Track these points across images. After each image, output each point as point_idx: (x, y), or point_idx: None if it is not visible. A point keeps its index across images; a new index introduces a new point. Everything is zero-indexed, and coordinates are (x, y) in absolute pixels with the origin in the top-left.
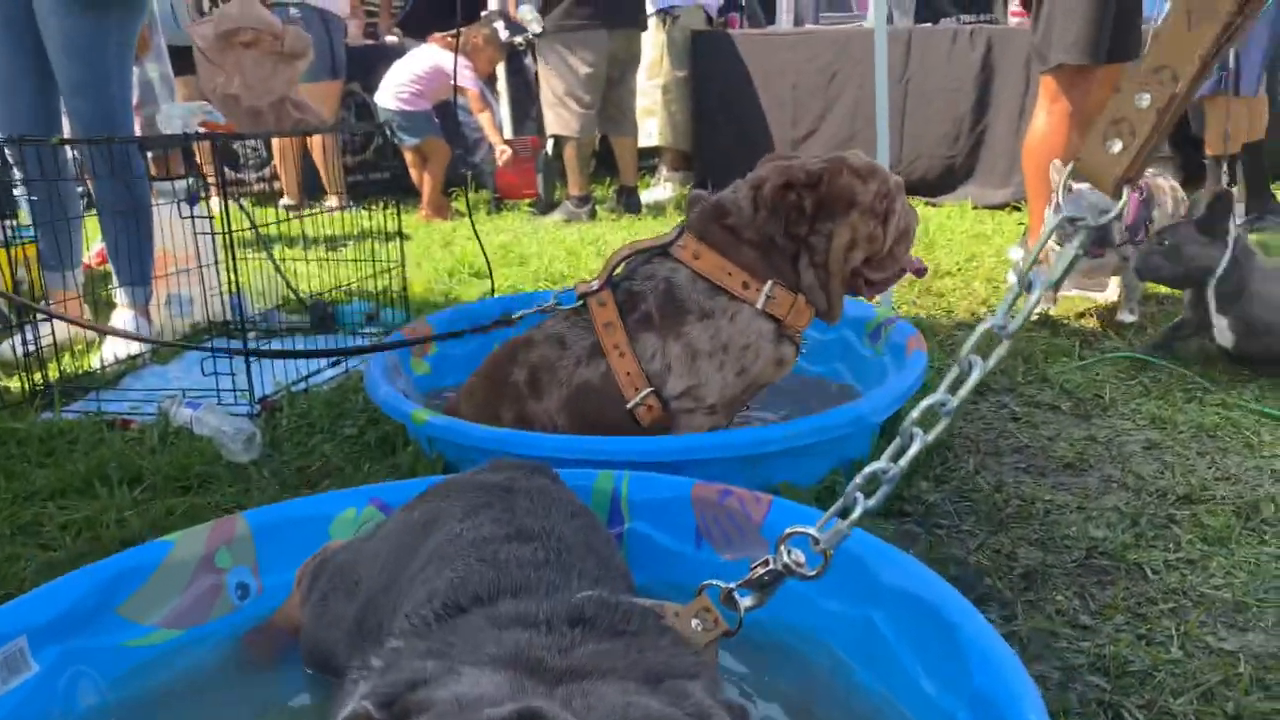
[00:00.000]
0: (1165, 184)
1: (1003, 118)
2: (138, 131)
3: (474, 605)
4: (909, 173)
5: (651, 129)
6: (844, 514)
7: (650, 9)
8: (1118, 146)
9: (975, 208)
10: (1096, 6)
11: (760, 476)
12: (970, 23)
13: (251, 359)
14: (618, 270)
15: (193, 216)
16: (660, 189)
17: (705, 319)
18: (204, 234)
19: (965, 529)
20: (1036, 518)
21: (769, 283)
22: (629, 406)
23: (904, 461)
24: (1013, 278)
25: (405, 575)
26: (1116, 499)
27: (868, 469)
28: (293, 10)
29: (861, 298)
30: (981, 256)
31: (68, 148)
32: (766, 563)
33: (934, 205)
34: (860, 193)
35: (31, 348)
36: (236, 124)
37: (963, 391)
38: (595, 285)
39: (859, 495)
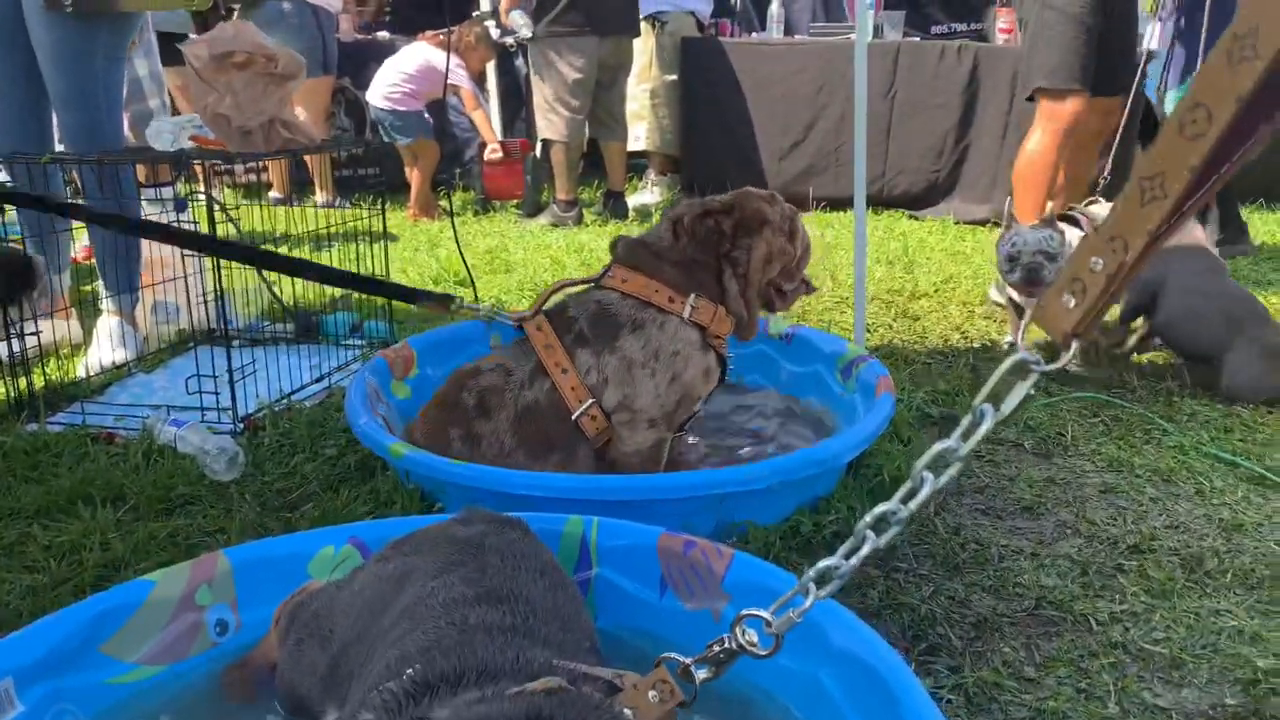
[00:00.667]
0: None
1: (986, 135)
2: (126, 129)
3: (441, 684)
4: (892, 186)
5: (640, 133)
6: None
7: (640, 14)
8: (1072, 303)
9: (957, 223)
10: (1075, 34)
11: (725, 514)
12: (961, 32)
13: (236, 379)
14: (550, 302)
15: (182, 245)
16: (647, 193)
17: (637, 330)
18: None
19: (922, 573)
20: (991, 563)
21: (692, 295)
22: (574, 416)
23: (855, 560)
24: (995, 294)
25: (377, 628)
26: (1069, 545)
27: (821, 564)
28: (285, 5)
29: (773, 312)
30: (959, 278)
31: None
32: (722, 641)
33: (916, 219)
34: (770, 213)
35: (16, 354)
36: (226, 142)
37: (913, 504)
38: (529, 313)
39: (812, 585)
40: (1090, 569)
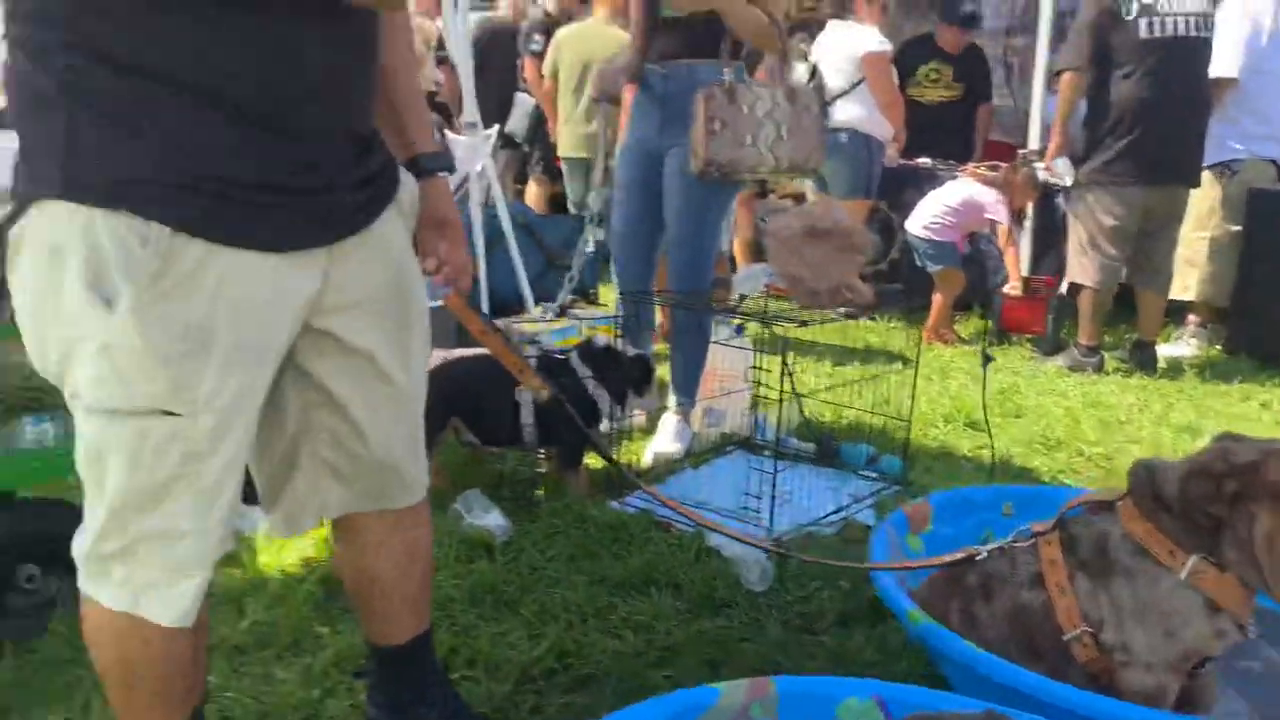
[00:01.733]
0: None
1: None
2: None
3: None
4: None
5: (1190, 282)
6: None
7: (1205, 161)
8: None
9: None
10: None
11: None
12: None
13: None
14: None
15: (753, 366)
16: (1183, 344)
17: (1129, 578)
18: (751, 369)
19: None
20: None
21: (1194, 557)
22: (1065, 639)
23: None
24: None
25: None
26: None
27: None
28: (843, 136)
29: None
30: None
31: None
32: None
33: None
34: None
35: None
36: (795, 297)
37: None
38: (1047, 528)
39: None
40: None
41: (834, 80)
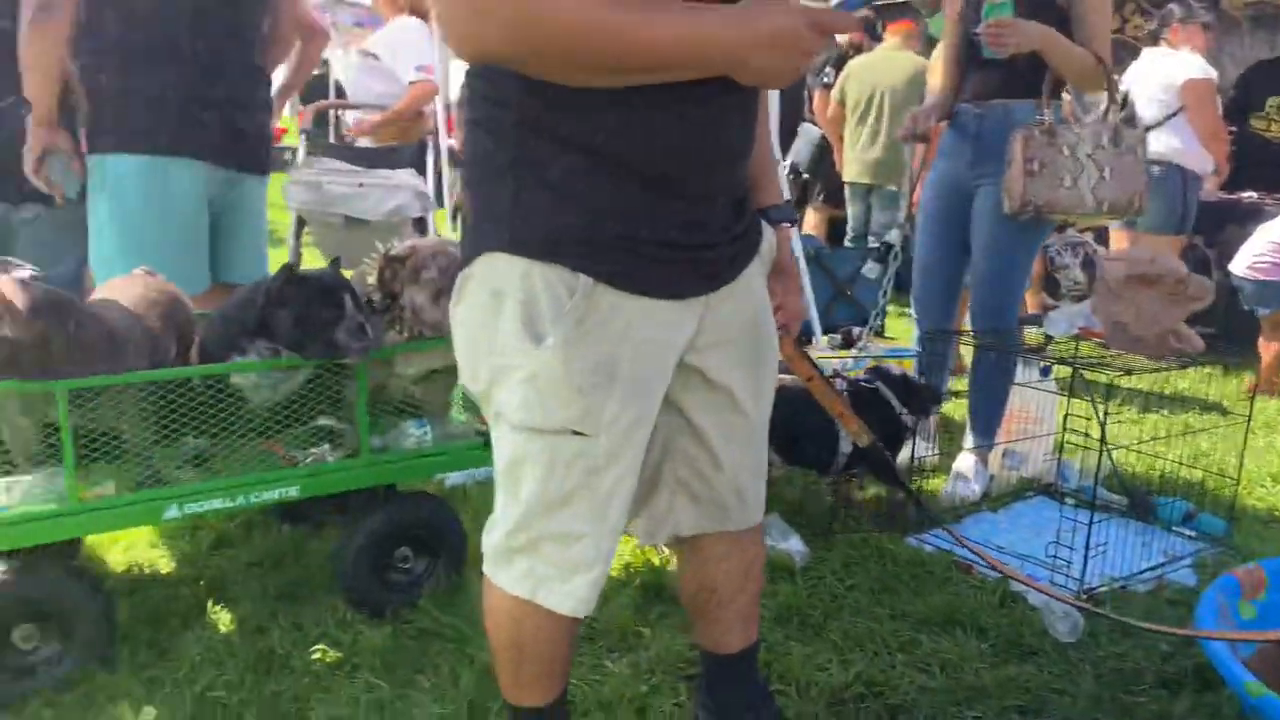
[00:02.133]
0: None
1: None
2: None
3: None
4: None
5: None
6: None
7: None
8: None
9: None
10: None
11: None
12: None
13: (1091, 555)
14: None
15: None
16: None
17: None
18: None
19: None
20: None
21: None
22: None
23: None
24: None
25: None
26: None
27: None
28: (1155, 169)
29: None
30: None
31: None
32: None
33: None
34: None
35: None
36: (1112, 343)
37: None
38: None
39: None
40: None
41: (1148, 110)
